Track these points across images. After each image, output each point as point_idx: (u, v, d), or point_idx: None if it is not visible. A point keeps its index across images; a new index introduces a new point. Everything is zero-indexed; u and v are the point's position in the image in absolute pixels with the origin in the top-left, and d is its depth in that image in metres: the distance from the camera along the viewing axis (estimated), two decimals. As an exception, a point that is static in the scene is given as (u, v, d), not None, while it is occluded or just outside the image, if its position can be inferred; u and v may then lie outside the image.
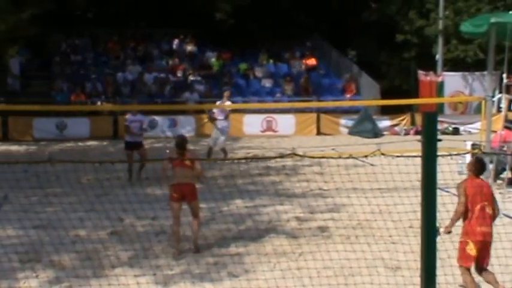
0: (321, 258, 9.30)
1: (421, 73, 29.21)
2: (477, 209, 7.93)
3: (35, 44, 31.85)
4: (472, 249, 7.90)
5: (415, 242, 9.53)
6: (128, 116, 16.84)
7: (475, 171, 8.18)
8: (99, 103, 27.69)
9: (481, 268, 8.05)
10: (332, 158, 8.67)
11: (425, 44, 31.71)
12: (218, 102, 19.60)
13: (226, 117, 18.28)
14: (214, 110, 18.62)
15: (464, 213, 8.00)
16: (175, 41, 33.60)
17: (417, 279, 7.79)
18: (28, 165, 9.46)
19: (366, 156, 7.11)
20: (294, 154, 7.06)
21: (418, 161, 6.69)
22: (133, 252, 10.02)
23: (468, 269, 8.01)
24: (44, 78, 30.77)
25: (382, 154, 7.05)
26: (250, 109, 27.37)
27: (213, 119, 18.55)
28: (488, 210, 7.98)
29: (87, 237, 10.79)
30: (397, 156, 7.48)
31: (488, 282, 8.06)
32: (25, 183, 13.23)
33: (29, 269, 9.29)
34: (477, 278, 8.11)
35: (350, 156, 8.05)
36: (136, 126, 16.62)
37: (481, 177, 8.28)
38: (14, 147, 24.00)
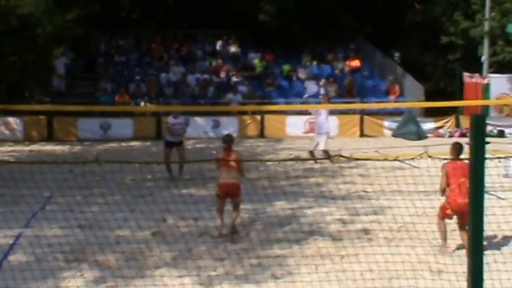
0: (365, 260, 9.23)
1: (466, 75, 28.93)
2: (456, 184, 9.50)
3: (80, 44, 32.27)
4: (450, 211, 9.72)
5: (456, 245, 9.44)
6: (169, 119, 17.10)
7: (455, 154, 9.74)
8: (142, 104, 27.91)
9: (462, 228, 9.58)
10: (378, 160, 8.61)
11: (471, 46, 31.32)
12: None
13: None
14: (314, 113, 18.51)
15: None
16: (219, 42, 33.72)
17: (461, 284, 7.70)
18: (75, 165, 9.64)
19: (412, 159, 7.03)
20: (339, 156, 7.01)
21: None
22: (177, 253, 10.05)
23: (443, 219, 9.86)
24: (88, 79, 31.16)
25: (429, 156, 6.95)
26: (293, 110, 27.32)
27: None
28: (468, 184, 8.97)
29: (132, 237, 10.86)
30: (444, 159, 7.38)
31: (463, 240, 9.44)
32: (70, 182, 13.42)
33: (74, 268, 9.37)
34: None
35: (396, 159, 7.95)
36: (177, 129, 16.87)
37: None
38: (58, 147, 24.31)
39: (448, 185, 9.67)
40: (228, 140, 11.38)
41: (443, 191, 9.79)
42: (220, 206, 11.05)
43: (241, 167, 11.13)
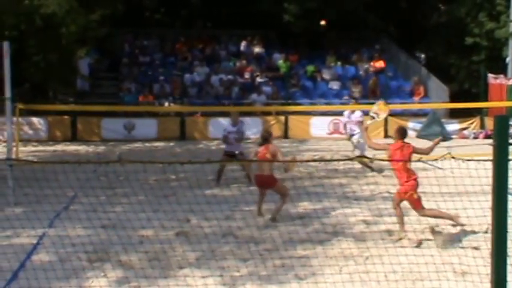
0: (389, 262, 9.16)
1: (491, 76, 28.67)
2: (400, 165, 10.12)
3: (104, 45, 32.43)
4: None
5: (484, 247, 9.34)
6: (227, 127, 16.58)
7: (399, 136, 10.47)
8: (166, 104, 28.00)
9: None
10: (403, 161, 8.54)
11: (496, 47, 31.06)
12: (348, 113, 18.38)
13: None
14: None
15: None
16: (243, 43, 33.73)
17: (485, 285, 7.61)
18: (98, 165, 9.66)
19: (436, 160, 6.97)
20: (363, 157, 6.96)
21: (488, 165, 6.52)
22: (200, 253, 10.04)
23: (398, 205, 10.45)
24: (112, 79, 31.32)
25: (453, 157, 6.88)
26: (317, 111, 27.25)
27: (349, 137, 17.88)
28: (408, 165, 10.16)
29: (155, 237, 10.87)
30: (468, 160, 7.28)
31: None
32: (94, 182, 13.49)
33: (97, 269, 9.39)
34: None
35: (420, 160, 7.89)
36: (233, 137, 16.21)
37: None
38: (82, 147, 24.43)
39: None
40: (264, 136, 12.44)
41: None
42: (259, 197, 12.29)
43: (279, 159, 12.13)
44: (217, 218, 11.65)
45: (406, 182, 10.24)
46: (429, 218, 10.74)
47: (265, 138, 12.35)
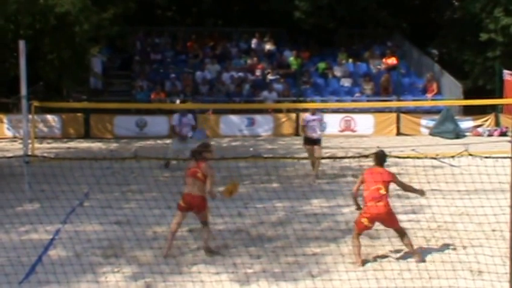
0: (401, 260, 9.15)
1: (506, 73, 28.49)
2: (371, 190, 9.57)
3: (116, 43, 32.52)
4: (365, 221, 9.51)
5: (502, 246, 9.30)
6: (306, 116, 17.08)
7: (377, 161, 9.89)
8: (177, 102, 28.03)
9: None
10: (417, 158, 8.49)
11: (511, 43, 30.84)
12: None
13: None
14: None
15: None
16: (254, 40, 33.71)
17: (503, 284, 7.60)
18: (113, 162, 9.66)
19: (452, 157, 6.96)
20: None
21: (506, 162, 6.50)
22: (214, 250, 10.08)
23: (359, 234, 9.60)
24: (124, 77, 31.37)
25: (470, 155, 6.86)
26: (329, 108, 27.18)
27: None
28: (382, 191, 9.59)
29: (167, 234, 10.89)
30: (485, 157, 7.26)
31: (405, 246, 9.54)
32: (109, 179, 13.53)
33: (113, 264, 9.44)
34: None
35: (436, 157, 7.88)
36: (313, 126, 16.72)
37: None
38: (95, 145, 24.52)
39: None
40: (198, 150, 10.38)
41: (355, 193, 9.99)
42: (177, 218, 10.56)
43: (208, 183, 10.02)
44: (231, 214, 11.67)
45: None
46: (445, 216, 10.69)
47: (199, 152, 10.24)
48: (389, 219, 9.60)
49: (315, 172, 16.49)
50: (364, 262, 9.33)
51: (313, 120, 16.80)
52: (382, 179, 9.65)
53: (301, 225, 11.36)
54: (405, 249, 9.55)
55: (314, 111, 17.13)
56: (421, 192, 9.81)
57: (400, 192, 13.64)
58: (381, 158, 9.94)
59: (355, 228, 9.65)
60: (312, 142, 16.69)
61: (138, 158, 6.77)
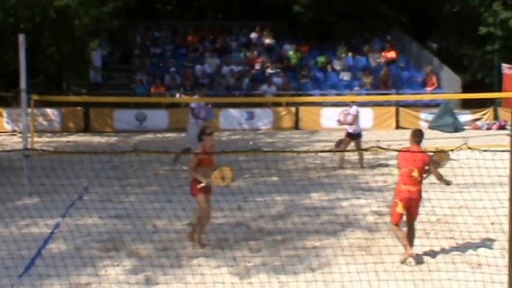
0: (403, 252, 9.17)
1: (505, 66, 28.49)
2: (403, 172, 9.25)
3: (116, 36, 32.49)
4: (399, 209, 9.17)
5: (501, 239, 9.33)
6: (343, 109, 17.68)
7: (413, 139, 9.46)
8: (177, 95, 28.02)
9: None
10: (418, 152, 8.53)
11: (510, 37, 30.81)
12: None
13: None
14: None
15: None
16: (253, 34, 33.70)
17: (502, 277, 7.62)
18: (112, 155, 9.64)
19: (452, 151, 6.97)
20: (378, 148, 6.97)
21: (505, 155, 6.51)
22: (214, 243, 10.11)
23: (397, 225, 9.22)
24: (124, 71, 31.36)
25: (469, 148, 6.88)
26: (328, 102, 27.19)
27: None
28: (414, 173, 9.22)
29: (169, 227, 10.93)
30: (484, 151, 7.28)
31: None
32: (108, 172, 13.54)
33: (113, 257, 9.47)
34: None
35: (436, 150, 7.89)
36: (348, 119, 17.34)
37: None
38: (95, 138, 24.53)
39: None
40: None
41: None
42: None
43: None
44: (231, 208, 11.71)
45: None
46: (444, 209, 10.70)
47: (199, 137, 10.23)
48: (415, 207, 9.37)
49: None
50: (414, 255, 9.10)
51: (348, 114, 17.42)
52: (413, 159, 9.23)
53: (300, 219, 11.38)
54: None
55: (351, 105, 17.64)
56: (447, 182, 9.48)
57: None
58: (418, 135, 9.54)
59: (392, 221, 9.37)
60: (351, 136, 17.37)
61: (137, 151, 6.77)
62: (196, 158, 9.75)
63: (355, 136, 17.21)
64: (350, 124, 17.31)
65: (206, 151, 9.88)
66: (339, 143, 17.51)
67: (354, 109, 17.41)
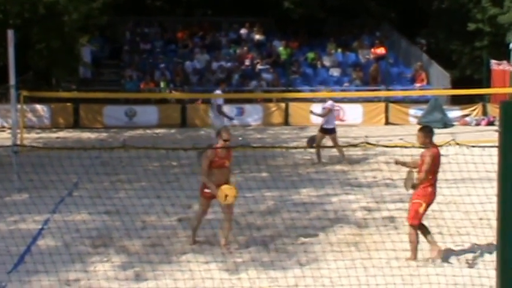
0: (391, 248, 9.21)
1: (493, 62, 28.62)
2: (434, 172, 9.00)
3: (106, 32, 32.44)
4: (423, 209, 9.01)
5: (489, 234, 9.38)
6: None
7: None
8: (167, 91, 28.03)
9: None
10: (405, 147, 8.51)
11: (499, 33, 30.97)
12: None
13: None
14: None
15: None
16: (243, 30, 33.70)
17: (489, 272, 7.66)
18: (102, 151, 9.65)
19: (440, 146, 7.01)
20: (366, 143, 6.99)
21: (493, 151, 6.54)
22: (202, 239, 10.12)
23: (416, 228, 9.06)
24: (114, 67, 31.33)
25: (457, 144, 6.91)
26: (318, 98, 27.21)
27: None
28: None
29: (158, 223, 10.94)
30: (472, 146, 7.31)
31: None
32: (97, 168, 13.53)
33: (101, 254, 9.47)
34: None
35: (424, 146, 7.92)
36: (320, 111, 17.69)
37: None
38: (84, 134, 24.50)
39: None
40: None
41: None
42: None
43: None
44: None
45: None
46: (432, 205, 10.74)
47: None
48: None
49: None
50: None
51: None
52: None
53: (290, 215, 11.40)
54: (394, 238, 9.61)
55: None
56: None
57: (388, 181, 13.80)
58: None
59: (413, 223, 9.05)
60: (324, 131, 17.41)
61: (126, 147, 6.78)
62: (208, 160, 9.62)
63: (328, 131, 17.19)
64: (321, 116, 17.40)
65: (218, 154, 9.72)
66: (311, 139, 17.48)
67: (328, 103, 17.47)
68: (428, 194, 9.01)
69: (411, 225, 9.08)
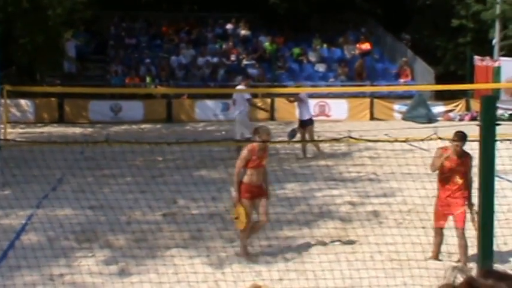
0: (374, 242, 9.26)
1: (477, 58, 28.77)
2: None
3: (91, 27, 32.29)
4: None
5: (469, 228, 9.44)
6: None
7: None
8: (152, 87, 27.98)
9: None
10: (388, 141, 8.54)
11: (482, 29, 31.14)
12: None
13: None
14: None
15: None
16: (229, 25, 33.68)
17: (468, 265, 7.73)
18: (85, 146, 9.62)
19: (422, 140, 7.05)
20: (349, 138, 7.02)
21: (474, 145, 6.58)
22: (187, 234, 10.12)
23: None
24: (99, 62, 31.21)
25: (440, 138, 6.96)
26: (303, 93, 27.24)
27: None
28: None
29: (142, 218, 10.94)
30: (454, 141, 7.37)
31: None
32: (81, 164, 13.50)
33: (85, 249, 9.45)
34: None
35: (406, 140, 7.97)
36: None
37: None
38: (69, 129, 24.41)
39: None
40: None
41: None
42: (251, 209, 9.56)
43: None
44: (204, 199, 11.71)
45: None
46: (416, 199, 10.79)
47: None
48: None
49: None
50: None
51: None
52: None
53: (274, 209, 11.41)
54: (377, 232, 9.65)
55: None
56: None
57: (373, 176, 13.87)
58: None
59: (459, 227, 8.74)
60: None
61: (109, 142, 6.76)
62: (245, 160, 9.09)
63: (303, 123, 17.26)
64: (291, 102, 17.55)
65: (254, 153, 9.14)
66: (292, 132, 17.52)
67: (302, 94, 17.54)
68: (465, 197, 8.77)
69: (463, 229, 8.67)
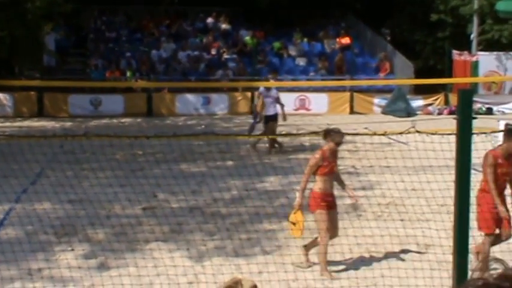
0: (353, 235, 9.33)
1: (455, 53, 28.98)
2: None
3: (71, 21, 32.09)
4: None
5: (447, 220, 9.54)
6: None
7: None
8: (133, 80, 27.90)
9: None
10: (367, 134, 8.61)
11: (460, 24, 31.33)
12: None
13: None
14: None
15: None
16: (210, 19, 33.63)
17: (447, 257, 7.81)
18: (64, 140, 9.57)
19: (400, 134, 7.10)
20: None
21: (452, 139, 6.65)
22: (167, 228, 10.13)
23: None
24: (79, 55, 31.05)
25: (418, 132, 7.00)
26: (284, 87, 27.28)
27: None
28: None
29: (122, 212, 10.94)
30: (432, 134, 7.43)
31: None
32: (61, 158, 13.46)
33: (65, 243, 9.45)
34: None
35: (384, 134, 8.02)
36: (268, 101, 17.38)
37: None
38: (49, 123, 24.28)
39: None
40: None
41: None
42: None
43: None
44: (184, 192, 11.73)
45: None
46: (394, 192, 10.88)
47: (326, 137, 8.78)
48: None
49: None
50: None
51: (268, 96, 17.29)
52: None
53: (254, 203, 11.46)
54: (356, 225, 9.71)
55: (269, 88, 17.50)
56: None
57: (352, 169, 13.94)
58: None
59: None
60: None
61: (88, 136, 6.75)
62: (316, 166, 8.47)
63: (268, 119, 17.20)
64: (260, 109, 17.46)
65: (327, 158, 8.54)
66: (251, 127, 17.53)
67: (274, 91, 17.53)
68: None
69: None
